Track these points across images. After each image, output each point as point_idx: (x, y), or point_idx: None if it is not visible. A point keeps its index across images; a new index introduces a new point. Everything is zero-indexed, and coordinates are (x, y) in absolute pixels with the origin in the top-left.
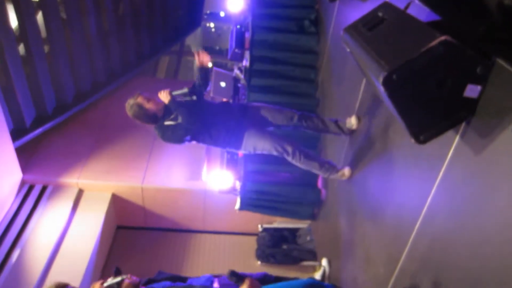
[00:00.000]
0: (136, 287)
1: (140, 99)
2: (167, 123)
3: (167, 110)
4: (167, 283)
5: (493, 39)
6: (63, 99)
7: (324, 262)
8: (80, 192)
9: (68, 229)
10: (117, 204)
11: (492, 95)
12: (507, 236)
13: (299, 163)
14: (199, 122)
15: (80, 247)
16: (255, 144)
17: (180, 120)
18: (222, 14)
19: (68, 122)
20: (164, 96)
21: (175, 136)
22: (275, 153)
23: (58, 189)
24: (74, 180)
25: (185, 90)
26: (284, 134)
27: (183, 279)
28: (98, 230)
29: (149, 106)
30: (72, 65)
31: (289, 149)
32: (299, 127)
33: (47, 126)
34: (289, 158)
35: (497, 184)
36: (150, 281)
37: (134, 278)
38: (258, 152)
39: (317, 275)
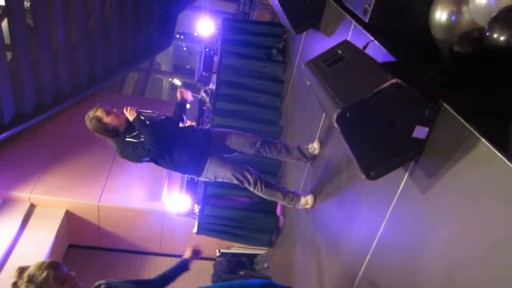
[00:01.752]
0: None
1: (99, 112)
2: (128, 139)
3: (130, 126)
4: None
5: (442, 83)
6: (22, 108)
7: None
8: (31, 207)
9: (15, 245)
10: (71, 222)
11: (438, 136)
12: (446, 273)
13: (261, 193)
14: (162, 144)
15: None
16: (216, 172)
17: (142, 139)
18: (195, 34)
19: (25, 133)
20: (130, 113)
21: (134, 154)
22: (235, 181)
23: (8, 203)
24: (26, 194)
25: (155, 114)
26: (245, 162)
27: None
28: (48, 247)
29: (109, 120)
30: (35, 74)
31: (250, 178)
32: (262, 153)
33: (2, 136)
34: (251, 188)
35: (439, 222)
36: None
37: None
38: (219, 180)
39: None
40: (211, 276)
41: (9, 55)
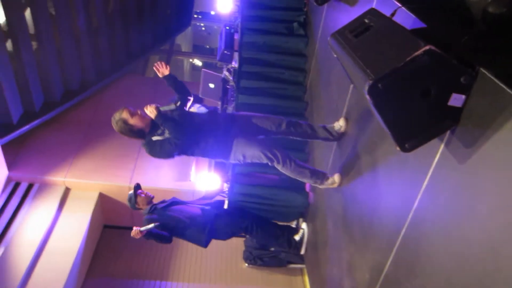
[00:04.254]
0: (148, 202)
1: (124, 114)
2: (154, 138)
3: (154, 125)
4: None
5: (477, 48)
6: (51, 96)
7: (304, 225)
8: (66, 191)
9: (53, 228)
10: (104, 204)
11: (476, 104)
12: (488, 244)
13: (289, 172)
14: (187, 135)
15: (66, 246)
16: (244, 151)
17: (167, 134)
18: (212, 13)
19: (56, 120)
20: (150, 111)
21: (163, 151)
22: (265, 160)
23: (45, 187)
24: (61, 178)
25: (172, 106)
26: (273, 141)
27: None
28: (85, 229)
29: (134, 121)
30: (60, 62)
31: (280, 156)
32: (287, 134)
33: (35, 123)
34: (279, 166)
35: (480, 193)
36: (163, 201)
37: (149, 194)
38: (248, 161)
39: (297, 237)
40: (243, 252)
41: (34, 44)
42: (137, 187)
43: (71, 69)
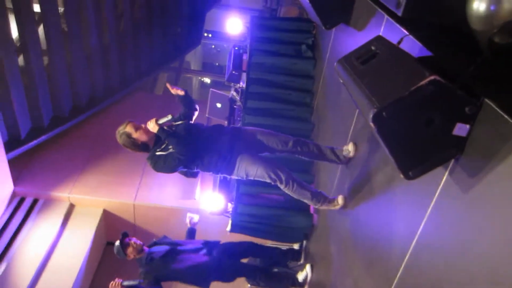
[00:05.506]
0: (139, 251)
1: (128, 128)
2: (158, 153)
3: (158, 139)
4: (166, 247)
5: (483, 78)
6: (59, 111)
7: (307, 268)
8: (71, 207)
9: (57, 243)
10: (108, 220)
11: (480, 134)
12: (490, 276)
13: (291, 192)
14: (191, 150)
15: (68, 262)
16: (247, 169)
17: (171, 149)
18: (223, 32)
19: (63, 135)
20: (151, 127)
21: (167, 166)
22: (267, 179)
23: (49, 203)
24: (65, 194)
25: (169, 117)
26: (278, 161)
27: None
28: (88, 246)
29: (138, 135)
30: (70, 78)
31: (283, 176)
32: (294, 153)
33: (42, 138)
34: (282, 186)
35: (483, 224)
36: (154, 243)
37: (138, 242)
38: (251, 178)
39: (300, 277)
40: None
41: (45, 59)
42: (124, 235)
43: (80, 84)
